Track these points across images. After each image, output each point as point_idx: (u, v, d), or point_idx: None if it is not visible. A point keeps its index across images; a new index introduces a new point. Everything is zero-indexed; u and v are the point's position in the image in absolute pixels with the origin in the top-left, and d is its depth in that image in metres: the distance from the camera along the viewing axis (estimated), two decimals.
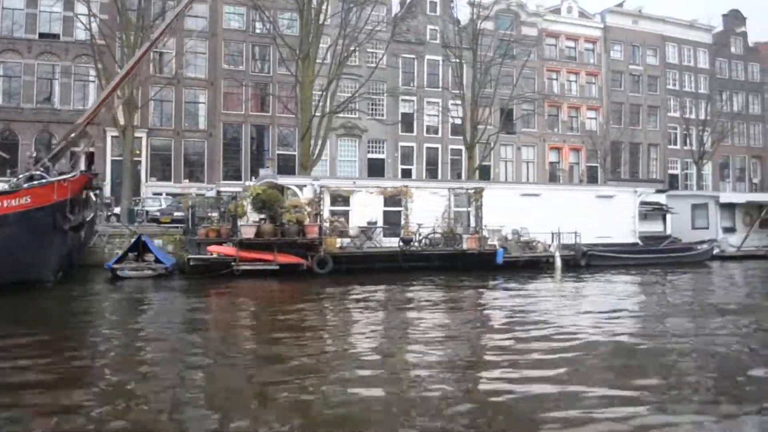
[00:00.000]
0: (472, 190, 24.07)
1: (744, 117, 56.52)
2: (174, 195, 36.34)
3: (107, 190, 37.14)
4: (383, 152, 44.59)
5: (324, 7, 33.15)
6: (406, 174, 44.57)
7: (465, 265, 22.93)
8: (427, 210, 23.85)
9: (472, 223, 24.81)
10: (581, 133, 49.87)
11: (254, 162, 41.34)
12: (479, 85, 38.91)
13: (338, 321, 13.06)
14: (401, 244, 22.25)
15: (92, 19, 31.94)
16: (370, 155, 44.27)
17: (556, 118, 49.50)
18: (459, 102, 41.92)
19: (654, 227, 29.24)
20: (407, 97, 45.19)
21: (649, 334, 10.96)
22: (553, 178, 48.46)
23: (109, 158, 38.48)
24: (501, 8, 47.70)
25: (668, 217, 29.52)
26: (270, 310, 14.62)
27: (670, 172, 53.36)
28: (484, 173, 46.90)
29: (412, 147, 45.39)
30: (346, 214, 23.72)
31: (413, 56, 45.66)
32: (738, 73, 56.75)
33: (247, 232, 20.52)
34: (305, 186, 23.25)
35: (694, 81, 54.05)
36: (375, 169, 43.79)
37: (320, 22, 33.12)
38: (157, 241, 24.93)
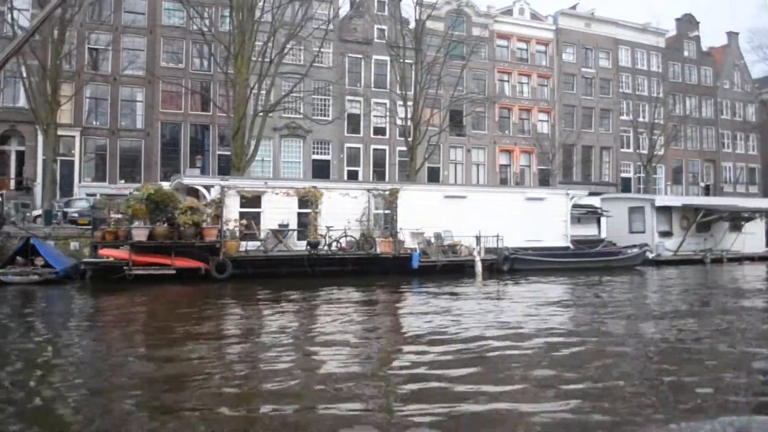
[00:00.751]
0: (387, 192, 22.73)
1: (697, 121, 55.98)
2: (110, 196, 34.77)
3: (38, 191, 35.54)
4: (329, 153, 43.29)
5: (260, 3, 31.88)
6: (353, 176, 43.32)
7: (380, 269, 21.68)
8: (340, 212, 22.56)
9: (395, 226, 23.51)
10: (533, 136, 48.88)
11: (194, 162, 39.81)
12: (421, 86, 37.65)
13: (200, 330, 11.65)
14: (308, 248, 20.92)
15: (18, 13, 30.57)
16: (315, 156, 42.94)
17: (507, 121, 48.50)
18: (404, 103, 40.70)
19: (588, 231, 28.25)
20: (353, 98, 43.89)
21: (537, 341, 9.74)
22: (504, 181, 47.43)
23: (40, 158, 36.74)
24: (451, 9, 46.61)
25: (603, 220, 28.50)
26: (139, 320, 13.22)
27: (623, 175, 52.58)
28: (433, 175, 45.81)
29: (359, 148, 44.07)
30: (257, 216, 22.38)
31: (360, 56, 44.36)
32: (691, 77, 56.17)
33: (139, 235, 19.10)
34: (212, 186, 21.86)
35: (646, 84, 53.34)
36: (320, 170, 42.46)
37: (255, 18, 31.86)
38: (74, 244, 23.51)
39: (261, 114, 33.17)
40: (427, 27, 44.75)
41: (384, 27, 44.70)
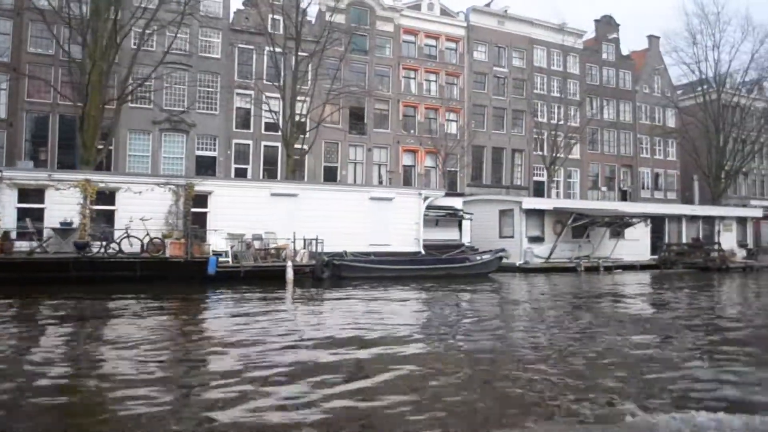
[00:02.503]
0: (181, 187, 19.43)
1: (615, 125, 53.65)
2: None
3: None
4: (215, 149, 39.78)
5: None
6: (242, 173, 39.97)
7: (174, 275, 18.36)
8: (138, 209, 19.20)
9: (211, 226, 20.23)
10: (440, 136, 45.91)
11: (63, 155, 36.05)
12: (298, 79, 34.52)
13: None
14: (75, 249, 17.51)
15: None
16: (199, 152, 39.40)
17: (413, 120, 45.46)
18: (302, 98, 37.55)
19: (449, 235, 25.26)
20: (244, 91, 40.49)
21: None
22: (407, 182, 44.39)
23: None
24: (354, 0, 43.51)
25: (465, 223, 25.51)
26: None
27: (536, 179, 49.90)
28: (331, 175, 42.63)
29: (248, 145, 40.66)
30: (41, 212, 18.92)
31: (252, 47, 40.96)
32: (609, 80, 53.81)
33: None
34: None
35: (562, 86, 50.78)
36: (204, 167, 38.95)
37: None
38: None
39: (115, 102, 29.71)
40: (328, 20, 41.85)
41: (279, 18, 41.41)
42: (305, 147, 39.34)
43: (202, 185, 20.78)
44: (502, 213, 27.22)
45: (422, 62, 45.94)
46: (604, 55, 53.68)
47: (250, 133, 40.81)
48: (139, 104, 36.45)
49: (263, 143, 41.10)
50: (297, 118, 36.07)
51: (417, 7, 46.22)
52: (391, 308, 14.13)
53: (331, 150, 42.95)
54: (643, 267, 28.59)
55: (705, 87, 49.98)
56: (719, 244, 29.47)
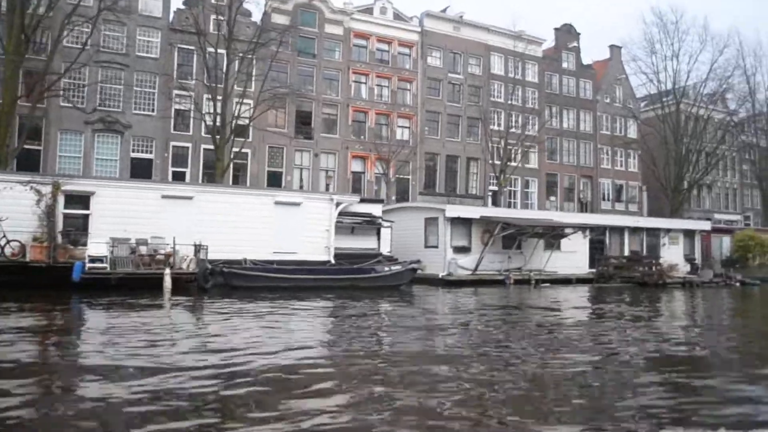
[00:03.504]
0: (47, 186, 17.58)
1: (575, 135, 52.30)
2: None
3: None
4: (152, 152, 37.90)
5: None
6: (180, 177, 38.11)
7: (36, 281, 16.49)
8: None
9: (94, 229, 18.38)
10: (391, 143, 44.28)
11: None
12: (232, 81, 32.82)
13: None
14: None
15: None
16: (134, 155, 37.51)
17: (363, 125, 43.79)
18: (238, 100, 35.90)
19: (366, 243, 23.49)
20: (183, 93, 38.59)
21: None
22: (356, 190, 42.66)
23: None
24: (301, 2, 41.90)
25: (385, 231, 23.77)
26: None
27: (492, 188, 48.33)
28: (275, 180, 40.83)
29: (188, 148, 38.80)
30: None
31: (192, 48, 39.13)
32: (569, 90, 52.47)
33: None
34: None
35: (520, 94, 49.35)
36: (140, 170, 37.01)
37: None
38: None
39: (35, 99, 27.97)
40: (273, 21, 40.31)
41: (223, 17, 39.68)
42: (244, 150, 37.70)
43: (79, 185, 18.95)
44: (428, 221, 25.50)
45: (373, 67, 44.33)
46: (564, 64, 52.35)
47: (189, 135, 38.94)
48: (70, 103, 34.62)
49: (203, 146, 39.18)
50: (232, 120, 34.26)
51: (369, 11, 44.66)
52: (233, 324, 12.32)
53: (275, 155, 41.17)
54: (579, 281, 26.94)
55: (665, 98, 48.78)
56: (655, 258, 27.86)
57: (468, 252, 25.19)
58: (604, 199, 53.64)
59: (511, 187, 49.52)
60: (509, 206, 47.25)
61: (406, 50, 45.80)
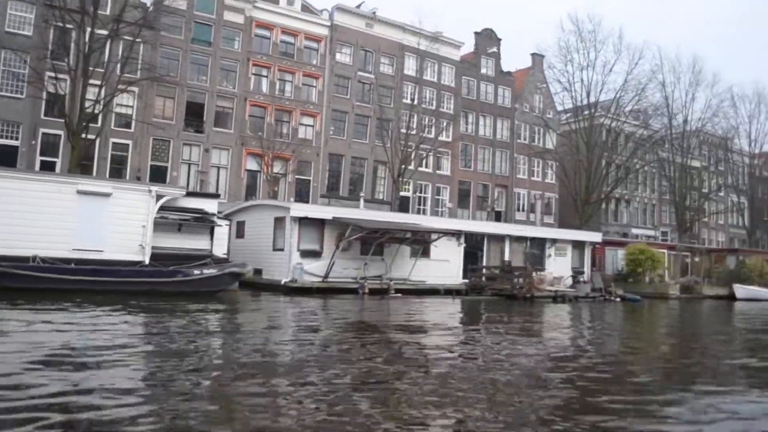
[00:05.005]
0: None
1: (491, 142, 50.04)
2: None
3: None
4: (17, 138, 34.12)
5: None
6: (49, 167, 34.35)
7: None
8: None
9: None
10: (293, 141, 41.26)
11: None
12: (89, 61, 29.37)
13: None
14: None
15: None
16: None
17: (261, 121, 40.65)
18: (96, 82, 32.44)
19: (196, 243, 20.34)
20: (59, 75, 34.89)
21: None
22: (251, 191, 39.52)
23: None
24: None
25: (218, 230, 20.68)
26: None
27: (402, 194, 45.58)
28: (160, 176, 37.39)
29: (59, 136, 35.09)
30: None
31: (71, 27, 35.48)
32: (487, 96, 50.23)
33: None
34: None
35: (435, 98, 46.86)
36: (3, 158, 33.12)
37: None
38: None
39: None
40: (168, 4, 36.89)
41: None
42: (124, 142, 34.29)
43: None
44: (277, 222, 22.53)
45: (276, 60, 41.27)
46: (483, 70, 50.11)
47: (62, 122, 35.26)
48: None
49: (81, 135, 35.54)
50: (93, 106, 30.77)
51: (275, 1, 41.62)
52: None
53: (161, 148, 37.77)
54: (449, 292, 24.27)
55: (581, 109, 46.81)
56: (526, 269, 25.34)
57: (319, 257, 22.28)
58: (519, 210, 51.49)
59: (421, 193, 47.00)
60: (419, 213, 44.71)
61: (314, 44, 42.89)
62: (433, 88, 47.02)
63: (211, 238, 20.63)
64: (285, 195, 40.99)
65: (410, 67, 46.49)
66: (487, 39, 50.32)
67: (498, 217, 49.77)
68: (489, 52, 50.15)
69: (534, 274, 25.93)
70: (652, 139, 49.29)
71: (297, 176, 41.79)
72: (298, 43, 42.22)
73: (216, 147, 39.10)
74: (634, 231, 57.19)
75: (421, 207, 46.59)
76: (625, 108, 48.15)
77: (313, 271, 21.83)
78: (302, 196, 41.46)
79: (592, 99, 45.37)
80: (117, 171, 36.41)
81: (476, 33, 50.23)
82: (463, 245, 25.98)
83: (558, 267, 28.64)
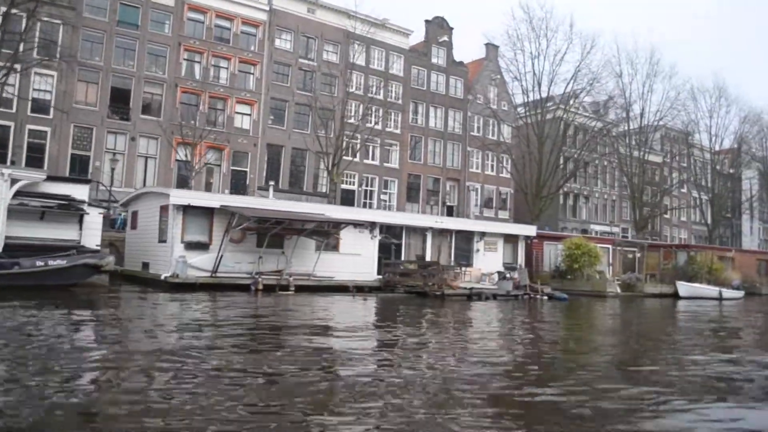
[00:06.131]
0: None
1: (441, 134, 48.11)
2: None
3: None
4: None
5: None
6: None
7: None
8: None
9: None
10: (227, 130, 39.11)
11: None
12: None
13: None
14: None
15: None
16: None
17: (194, 109, 38.40)
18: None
19: (62, 233, 18.16)
20: None
21: None
22: (182, 182, 37.21)
23: None
24: None
25: (88, 219, 18.51)
26: None
27: (345, 187, 43.58)
28: (81, 166, 35.10)
29: None
30: None
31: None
32: (438, 86, 48.29)
33: None
34: None
35: (383, 87, 44.82)
36: None
37: None
38: None
39: None
40: None
41: None
42: (41, 129, 31.93)
43: None
44: (162, 210, 20.42)
45: (210, 45, 39.04)
46: (434, 59, 48.14)
47: None
48: None
49: None
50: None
51: None
52: None
53: (83, 136, 35.44)
54: (359, 288, 22.25)
55: (536, 102, 44.88)
56: (435, 264, 23.33)
57: (206, 249, 20.16)
58: (474, 205, 49.58)
59: (367, 186, 44.99)
60: (364, 207, 42.67)
61: (252, 29, 40.69)
62: (380, 77, 44.96)
63: (80, 227, 18.46)
64: (220, 187, 38.82)
65: (356, 55, 44.39)
66: (438, 27, 48.36)
67: (450, 212, 47.92)
68: (440, 41, 48.22)
69: (458, 270, 24.01)
70: (608, 131, 47.58)
71: (233, 167, 39.63)
72: (234, 28, 40.00)
73: (144, 135, 36.83)
74: (594, 227, 55.64)
75: (367, 201, 44.57)
76: (579, 100, 46.42)
77: (199, 265, 19.70)
78: (238, 188, 39.31)
79: (543, 90, 43.49)
80: (36, 160, 34.03)
81: (427, 21, 48.24)
82: (377, 238, 23.94)
83: (487, 263, 26.67)
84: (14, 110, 33.56)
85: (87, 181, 20.38)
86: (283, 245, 21.47)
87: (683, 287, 29.73)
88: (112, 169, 32.82)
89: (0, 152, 33.19)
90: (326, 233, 21.55)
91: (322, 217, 21.52)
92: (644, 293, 29.54)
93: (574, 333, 15.36)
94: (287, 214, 20.71)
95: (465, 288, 22.11)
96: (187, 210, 19.81)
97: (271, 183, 35.17)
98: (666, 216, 59.17)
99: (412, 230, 25.33)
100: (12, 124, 33.63)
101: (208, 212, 20.31)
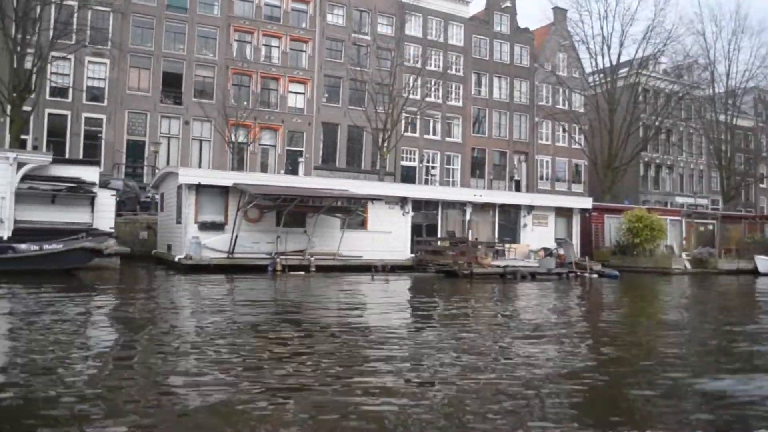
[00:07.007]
0: None
1: (507, 106, 45.72)
2: None
3: None
4: None
5: None
6: (20, 144, 32.85)
7: None
8: None
9: None
10: (281, 110, 38.59)
11: None
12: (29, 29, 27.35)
13: None
14: None
15: None
16: None
17: (246, 90, 38.05)
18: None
19: (75, 216, 17.89)
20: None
21: None
22: (239, 164, 37.04)
23: None
24: None
25: (99, 201, 18.15)
26: None
27: (405, 163, 42.26)
28: (138, 150, 35.59)
29: (28, 111, 33.51)
30: None
31: None
32: (502, 56, 45.82)
33: None
34: None
35: (442, 59, 42.95)
36: None
37: None
38: None
39: None
40: None
41: None
42: (97, 116, 32.49)
43: None
44: (179, 191, 19.81)
45: (260, 24, 38.46)
46: (497, 27, 45.66)
47: (30, 98, 33.68)
48: None
49: (47, 110, 33.99)
50: (30, 75, 28.61)
51: None
52: None
53: (137, 121, 35.81)
54: (391, 268, 20.96)
55: (614, 68, 41.54)
56: (464, 240, 21.51)
57: (222, 230, 19.42)
58: (542, 179, 47.06)
59: (430, 162, 43.40)
60: (426, 184, 41.18)
61: (302, 6, 39.78)
62: (438, 49, 43.05)
63: (92, 210, 18.13)
64: (275, 168, 38.40)
65: (413, 26, 42.75)
66: None
67: (518, 187, 45.63)
68: (503, 8, 45.63)
69: (492, 246, 22.24)
70: (688, 94, 43.61)
71: (288, 148, 39.07)
72: (284, 6, 39.20)
73: (197, 119, 36.76)
74: (678, 199, 51.64)
75: (429, 178, 43.00)
76: (656, 62, 42.81)
77: (214, 245, 18.99)
78: (295, 168, 38.74)
79: (613, 53, 40.28)
80: (92, 147, 34.73)
81: None
82: (410, 214, 22.50)
83: (537, 239, 24.65)
84: (70, 99, 34.24)
85: (96, 163, 20.05)
86: (304, 224, 20.45)
87: (763, 262, 26.51)
88: (155, 153, 32.87)
89: (59, 141, 34.06)
90: (346, 210, 20.32)
91: (339, 193, 20.29)
92: (717, 269, 26.57)
93: (601, 316, 13.40)
94: (300, 190, 19.62)
95: (498, 266, 20.32)
96: (200, 189, 19.11)
97: (300, 159, 34.31)
98: (762, 185, 54.14)
99: (449, 205, 23.67)
100: (69, 113, 34.32)
101: (223, 191, 19.53)
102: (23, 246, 15.44)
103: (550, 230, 25.27)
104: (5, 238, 16.47)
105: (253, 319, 10.31)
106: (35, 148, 30.41)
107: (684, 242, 29.59)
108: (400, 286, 17.55)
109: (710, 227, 30.67)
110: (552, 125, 46.71)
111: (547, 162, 46.99)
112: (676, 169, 52.47)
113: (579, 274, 21.49)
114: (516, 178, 45.72)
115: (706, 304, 16.69)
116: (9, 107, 27.12)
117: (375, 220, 21.58)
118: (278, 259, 19.15)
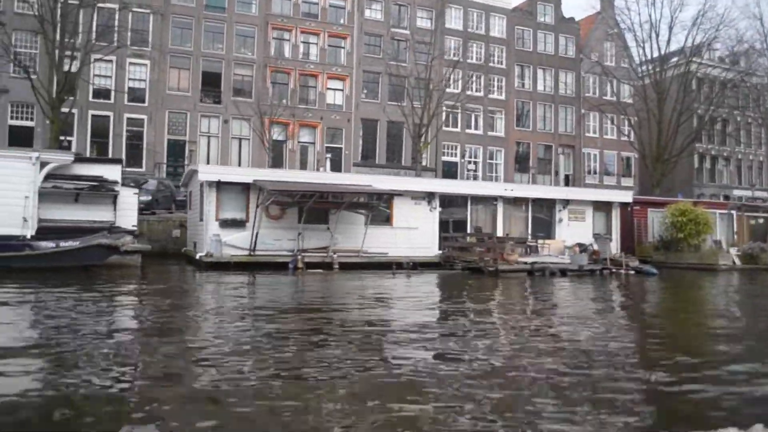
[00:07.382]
0: None
1: (552, 98, 44.45)
2: None
3: None
4: (32, 119, 33.84)
5: None
6: (64, 147, 33.77)
7: None
8: None
9: None
10: (320, 107, 38.48)
11: None
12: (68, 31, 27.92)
13: None
14: None
15: None
16: (12, 122, 33.61)
17: (285, 88, 38.07)
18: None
19: (98, 215, 18.05)
20: (68, 52, 34.17)
21: None
22: (277, 162, 37.13)
23: None
24: None
25: (122, 200, 18.26)
26: None
27: (446, 159, 41.58)
28: (178, 149, 36.07)
29: (73, 114, 34.37)
30: None
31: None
32: (546, 47, 44.55)
33: None
34: None
35: (483, 51, 42.07)
36: (21, 138, 32.91)
37: None
38: None
39: None
40: None
41: None
42: (138, 117, 33.09)
43: None
44: (201, 188, 19.76)
45: (298, 21, 38.39)
46: (541, 18, 44.41)
47: (73, 100, 34.52)
48: None
49: (91, 112, 34.79)
50: (66, 76, 29.13)
51: None
52: None
53: (177, 121, 36.26)
54: (421, 265, 20.46)
55: (667, 57, 39.82)
56: (489, 236, 20.68)
57: (243, 227, 19.27)
58: (589, 173, 45.58)
59: (472, 157, 42.57)
60: (469, 179, 40.41)
61: (340, 2, 39.51)
62: (479, 41, 42.14)
63: (115, 208, 18.24)
64: (314, 165, 38.31)
65: (453, 19, 41.99)
66: None
67: (567, 181, 44.35)
68: None
69: (522, 242, 21.44)
70: (743, 83, 41.43)
71: (327, 145, 38.89)
72: (322, 2, 39.03)
73: (236, 117, 36.93)
74: (735, 192, 49.23)
75: (477, 174, 42.13)
76: (710, 49, 40.83)
77: (235, 243, 18.84)
78: (335, 166, 38.51)
79: (662, 41, 38.59)
80: (135, 147, 35.39)
81: None
82: (438, 209, 21.89)
83: (574, 234, 23.66)
84: (112, 101, 34.90)
85: (118, 161, 20.15)
86: (327, 220, 20.12)
87: None
88: (191, 151, 33.16)
89: (101, 141, 34.83)
90: (368, 206, 19.88)
91: (360, 189, 19.87)
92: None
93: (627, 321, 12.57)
94: (319, 186, 19.28)
95: (525, 263, 19.52)
96: (221, 186, 18.99)
97: (327, 156, 33.92)
98: None
99: (478, 200, 22.94)
100: (111, 114, 34.98)
101: (244, 188, 19.37)
102: (41, 243, 15.57)
103: (587, 225, 24.22)
104: (29, 236, 16.67)
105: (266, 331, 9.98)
106: (62, 147, 30.89)
107: (735, 237, 27.99)
108: (418, 285, 16.99)
109: (761, 221, 28.96)
110: (600, 117, 45.17)
111: (594, 155, 45.48)
112: (733, 161, 50.04)
113: (614, 270, 20.46)
114: (564, 172, 44.37)
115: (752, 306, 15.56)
116: (49, 109, 27.68)
117: (400, 216, 21.08)
118: (299, 257, 18.84)
